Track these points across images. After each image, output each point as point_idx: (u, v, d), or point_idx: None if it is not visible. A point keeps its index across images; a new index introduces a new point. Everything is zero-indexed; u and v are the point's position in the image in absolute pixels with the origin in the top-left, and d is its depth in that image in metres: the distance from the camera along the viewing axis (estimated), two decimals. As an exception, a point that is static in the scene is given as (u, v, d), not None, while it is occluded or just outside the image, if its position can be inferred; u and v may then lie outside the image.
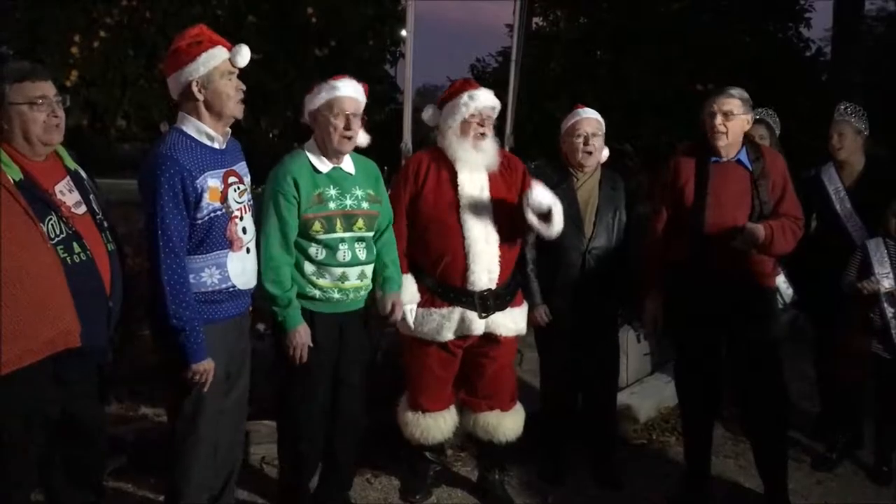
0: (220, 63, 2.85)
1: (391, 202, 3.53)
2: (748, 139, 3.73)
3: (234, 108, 2.92)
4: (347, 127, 3.19)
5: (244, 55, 2.90)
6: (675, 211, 3.76)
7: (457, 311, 3.57)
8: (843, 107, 4.40)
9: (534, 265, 3.90)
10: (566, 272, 3.87)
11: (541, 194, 3.41)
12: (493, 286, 3.54)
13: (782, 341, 3.83)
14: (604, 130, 3.99)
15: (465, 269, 3.51)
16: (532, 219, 3.46)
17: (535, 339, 4.11)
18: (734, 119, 3.58)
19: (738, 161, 3.65)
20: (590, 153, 3.89)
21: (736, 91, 3.64)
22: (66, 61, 9.56)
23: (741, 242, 3.52)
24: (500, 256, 3.55)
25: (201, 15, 9.71)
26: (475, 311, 3.55)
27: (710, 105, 3.63)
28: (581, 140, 3.88)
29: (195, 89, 2.84)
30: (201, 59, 2.83)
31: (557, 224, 3.50)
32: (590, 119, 3.94)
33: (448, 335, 3.60)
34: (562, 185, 3.89)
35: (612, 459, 4.16)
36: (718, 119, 3.58)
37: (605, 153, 4.03)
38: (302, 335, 3.20)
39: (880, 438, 4.30)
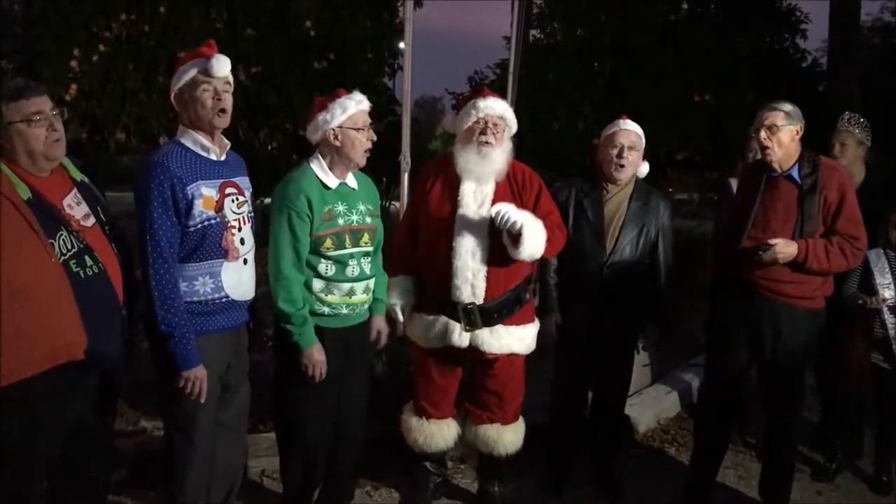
0: (193, 75, 2.88)
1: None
2: (808, 153, 3.63)
3: (214, 119, 2.90)
4: (369, 140, 3.23)
5: (216, 65, 2.85)
6: (731, 227, 3.79)
7: (441, 321, 3.58)
8: (846, 117, 4.40)
9: (555, 272, 3.90)
10: (584, 283, 3.85)
11: (503, 208, 3.33)
12: (479, 301, 3.52)
13: (806, 366, 3.82)
14: (643, 145, 3.93)
15: (449, 280, 3.51)
16: (504, 236, 3.41)
17: (555, 347, 4.08)
18: (779, 132, 3.52)
19: (790, 176, 3.59)
20: (622, 167, 3.84)
21: (781, 104, 3.58)
22: (66, 75, 9.59)
23: (764, 258, 3.50)
24: (490, 272, 3.50)
25: (200, 28, 9.75)
26: (459, 322, 3.55)
27: (756, 120, 3.59)
28: (616, 152, 3.84)
29: (175, 102, 2.94)
30: (180, 70, 2.90)
31: (528, 246, 3.37)
32: (628, 132, 3.89)
33: (432, 342, 3.63)
34: (591, 195, 3.89)
35: (614, 470, 4.15)
36: (762, 134, 3.54)
37: (645, 168, 3.98)
38: (318, 354, 3.18)
39: (880, 448, 4.30)
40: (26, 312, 2.46)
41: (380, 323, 3.52)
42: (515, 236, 3.36)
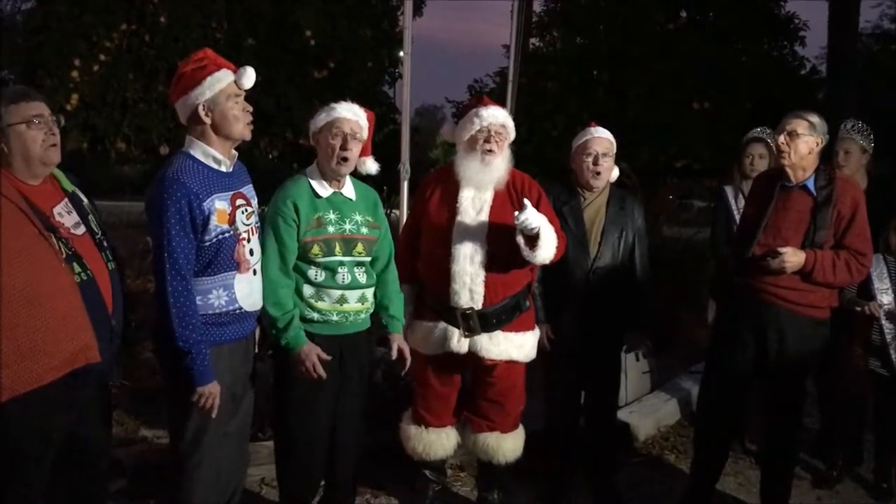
0: (225, 86, 2.86)
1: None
2: (825, 166, 3.66)
3: (243, 130, 2.92)
4: (344, 147, 3.21)
5: (249, 77, 2.91)
6: (740, 233, 3.81)
7: (440, 327, 3.59)
8: (849, 124, 4.41)
9: (539, 283, 3.89)
10: (571, 290, 3.85)
11: (530, 215, 3.35)
12: (478, 306, 3.53)
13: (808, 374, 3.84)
14: (615, 150, 3.95)
15: (448, 285, 3.53)
16: (519, 239, 3.43)
17: (545, 356, 4.07)
18: (798, 139, 3.53)
19: (805, 186, 3.60)
20: (598, 173, 3.85)
21: (807, 113, 3.59)
22: (67, 85, 9.63)
23: (773, 264, 3.51)
24: (488, 277, 3.51)
25: (200, 38, 9.80)
26: (458, 327, 3.56)
27: (780, 124, 3.61)
28: (591, 159, 3.85)
29: (202, 113, 2.85)
30: (206, 82, 2.84)
31: (544, 250, 3.43)
32: (601, 139, 3.90)
33: (431, 349, 3.64)
34: (569, 203, 3.89)
35: (612, 478, 4.15)
36: (781, 139, 3.56)
37: (615, 173, 3.99)
38: (310, 351, 3.16)
39: (880, 455, 4.30)
40: (43, 318, 2.47)
41: (398, 340, 3.47)
42: (532, 238, 3.39)
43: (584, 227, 3.87)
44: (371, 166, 3.39)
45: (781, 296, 3.57)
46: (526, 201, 3.39)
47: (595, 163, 3.84)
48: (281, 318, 3.14)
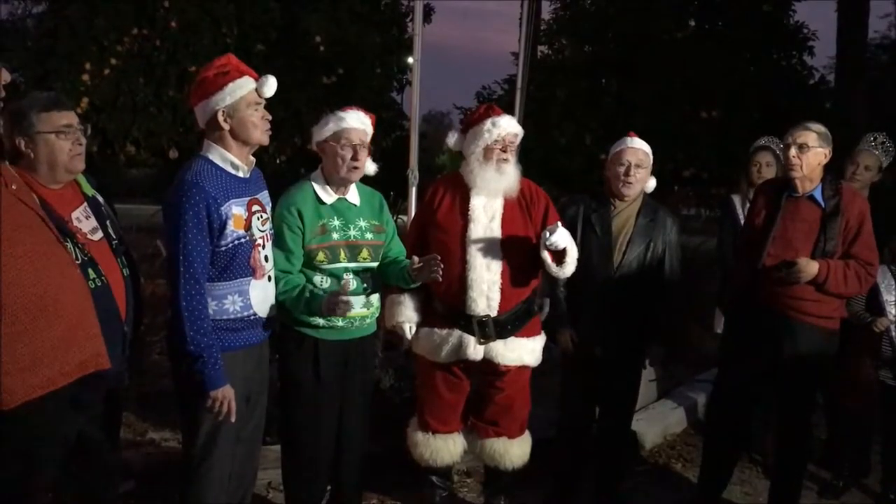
0: (246, 93, 2.87)
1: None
2: (831, 176, 3.69)
3: (261, 137, 2.94)
4: (355, 157, 3.22)
5: (271, 85, 2.92)
6: (747, 244, 3.82)
7: (455, 334, 3.60)
8: (880, 139, 4.38)
9: (564, 288, 3.90)
10: (592, 297, 3.85)
11: (559, 234, 3.38)
12: (494, 313, 3.55)
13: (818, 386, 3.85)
14: (650, 162, 3.94)
15: (464, 293, 3.54)
16: (545, 255, 3.46)
17: (560, 363, 4.07)
18: (808, 151, 3.55)
19: (812, 197, 3.63)
20: (629, 184, 3.85)
21: (813, 125, 3.61)
22: (78, 89, 9.67)
23: (787, 275, 3.52)
24: (503, 284, 3.54)
25: (210, 44, 9.84)
26: (473, 335, 3.58)
27: (787, 138, 3.62)
28: (623, 169, 3.85)
29: (221, 118, 2.86)
30: (228, 88, 2.85)
31: (569, 267, 3.49)
32: (635, 149, 3.89)
33: (445, 357, 3.64)
34: (599, 210, 3.90)
35: (619, 486, 4.14)
36: (792, 151, 3.57)
37: (652, 184, 3.98)
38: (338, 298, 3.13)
39: (887, 465, 4.29)
40: (58, 324, 2.50)
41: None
42: (559, 254, 3.45)
43: (610, 235, 3.86)
44: (370, 167, 3.40)
45: (797, 307, 3.58)
46: (559, 223, 3.43)
47: (626, 173, 3.84)
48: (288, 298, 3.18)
